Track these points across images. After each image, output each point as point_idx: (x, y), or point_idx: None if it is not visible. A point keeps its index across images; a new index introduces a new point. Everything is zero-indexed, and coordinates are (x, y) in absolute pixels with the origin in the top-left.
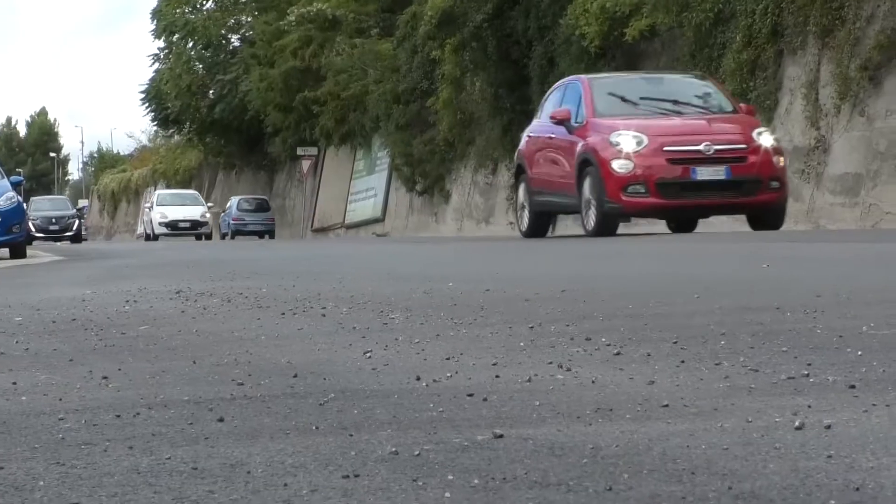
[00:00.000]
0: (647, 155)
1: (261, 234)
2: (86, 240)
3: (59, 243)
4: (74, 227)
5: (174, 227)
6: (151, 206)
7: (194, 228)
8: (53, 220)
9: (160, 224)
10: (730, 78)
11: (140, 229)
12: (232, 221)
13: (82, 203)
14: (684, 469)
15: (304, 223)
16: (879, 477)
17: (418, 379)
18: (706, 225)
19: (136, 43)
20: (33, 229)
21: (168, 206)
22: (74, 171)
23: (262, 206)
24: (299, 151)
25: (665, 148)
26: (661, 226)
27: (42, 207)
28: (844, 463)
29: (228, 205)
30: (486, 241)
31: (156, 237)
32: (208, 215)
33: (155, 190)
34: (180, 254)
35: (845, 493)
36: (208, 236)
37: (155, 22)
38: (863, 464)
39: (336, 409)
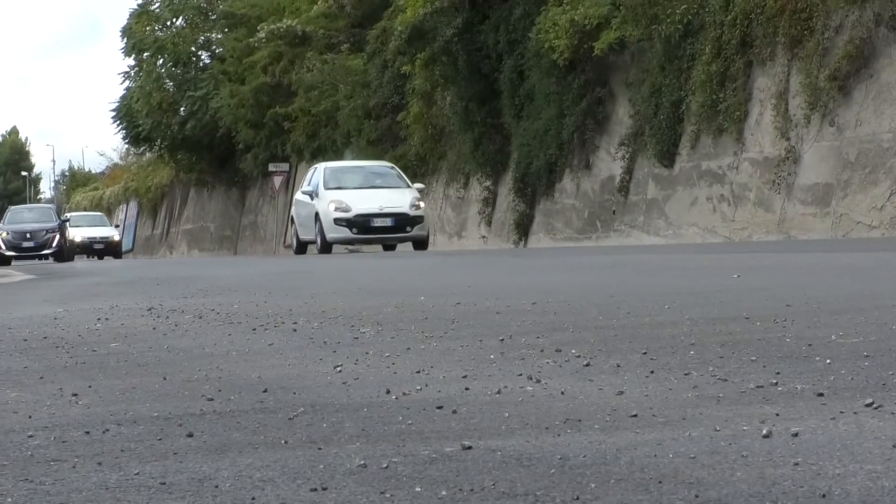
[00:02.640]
0: None
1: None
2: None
3: (39, 261)
4: (55, 243)
5: (363, 229)
6: (314, 193)
7: (400, 230)
8: (28, 235)
9: (335, 222)
10: (699, 90)
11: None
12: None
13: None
14: (651, 478)
15: (276, 239)
16: (846, 483)
17: (388, 392)
18: (678, 237)
19: (106, 61)
20: (4, 246)
21: (347, 189)
22: (46, 190)
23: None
24: (271, 167)
25: None
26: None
27: (18, 219)
28: (811, 470)
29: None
30: (459, 254)
31: (326, 247)
32: (423, 205)
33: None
34: (153, 271)
35: (811, 499)
36: (422, 243)
37: (125, 40)
38: (829, 471)
39: (305, 423)
